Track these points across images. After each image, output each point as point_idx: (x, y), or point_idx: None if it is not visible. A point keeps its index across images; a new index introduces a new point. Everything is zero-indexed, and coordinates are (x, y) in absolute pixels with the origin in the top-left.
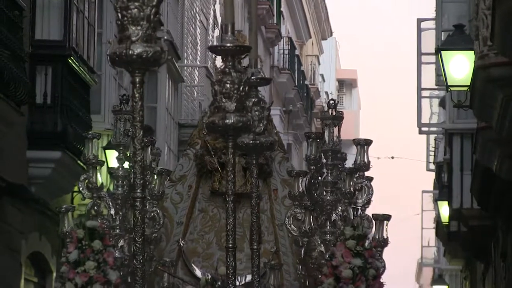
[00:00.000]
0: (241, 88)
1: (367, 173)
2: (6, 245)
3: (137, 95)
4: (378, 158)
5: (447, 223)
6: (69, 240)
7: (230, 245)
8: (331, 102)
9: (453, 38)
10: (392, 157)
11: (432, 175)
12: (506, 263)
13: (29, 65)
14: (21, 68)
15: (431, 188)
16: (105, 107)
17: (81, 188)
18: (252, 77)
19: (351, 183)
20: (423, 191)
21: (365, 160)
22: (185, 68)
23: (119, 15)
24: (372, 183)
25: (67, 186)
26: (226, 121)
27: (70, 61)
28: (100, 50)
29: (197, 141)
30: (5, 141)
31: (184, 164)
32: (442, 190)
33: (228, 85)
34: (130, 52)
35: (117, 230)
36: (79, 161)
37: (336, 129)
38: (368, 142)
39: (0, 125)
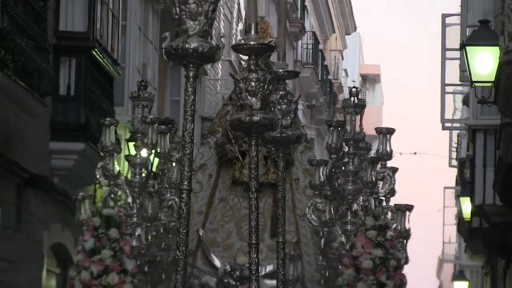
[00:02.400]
0: (266, 86)
1: (392, 165)
2: (29, 236)
3: (190, 89)
4: (400, 153)
5: (469, 219)
6: (85, 228)
7: (254, 241)
8: (353, 90)
9: (478, 34)
10: (415, 153)
11: (455, 171)
12: None
13: (53, 56)
14: (45, 59)
15: (453, 184)
16: (128, 99)
17: (98, 176)
18: (280, 70)
19: (373, 172)
20: (445, 187)
21: (388, 149)
22: None
23: (177, 9)
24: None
25: (89, 177)
26: (253, 118)
27: (94, 52)
28: (124, 42)
29: (218, 129)
30: (28, 132)
31: (205, 153)
32: (464, 186)
33: (253, 83)
34: (186, 46)
35: (134, 219)
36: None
37: (358, 117)
38: (390, 131)
39: (23, 116)
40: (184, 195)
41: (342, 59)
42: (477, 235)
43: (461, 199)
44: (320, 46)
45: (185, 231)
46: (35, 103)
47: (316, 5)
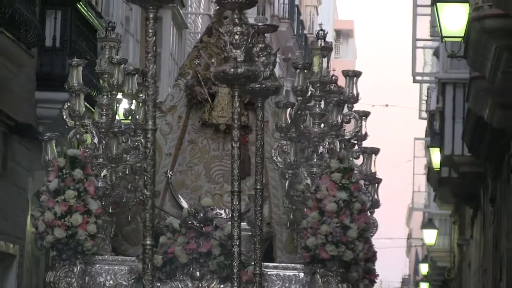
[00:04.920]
0: (249, 40)
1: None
2: (14, 183)
3: (150, 31)
4: (373, 105)
5: (438, 169)
6: (50, 169)
7: (236, 189)
8: (320, 32)
9: None
10: (387, 105)
11: (425, 123)
12: (495, 208)
13: (40, 9)
14: (32, 12)
15: (423, 136)
16: None
17: (64, 116)
18: (260, 24)
19: (339, 115)
20: (416, 138)
21: (354, 92)
22: (189, 15)
23: None
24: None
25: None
26: (237, 70)
27: (79, 5)
28: None
29: (188, 71)
30: (15, 82)
31: (175, 95)
32: (434, 137)
33: (237, 36)
34: None
35: (100, 159)
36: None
37: (325, 60)
38: (357, 74)
39: (10, 66)
40: (149, 135)
41: (317, 14)
42: (446, 185)
43: (431, 149)
44: (296, 2)
45: (152, 170)
46: (22, 54)
47: None
